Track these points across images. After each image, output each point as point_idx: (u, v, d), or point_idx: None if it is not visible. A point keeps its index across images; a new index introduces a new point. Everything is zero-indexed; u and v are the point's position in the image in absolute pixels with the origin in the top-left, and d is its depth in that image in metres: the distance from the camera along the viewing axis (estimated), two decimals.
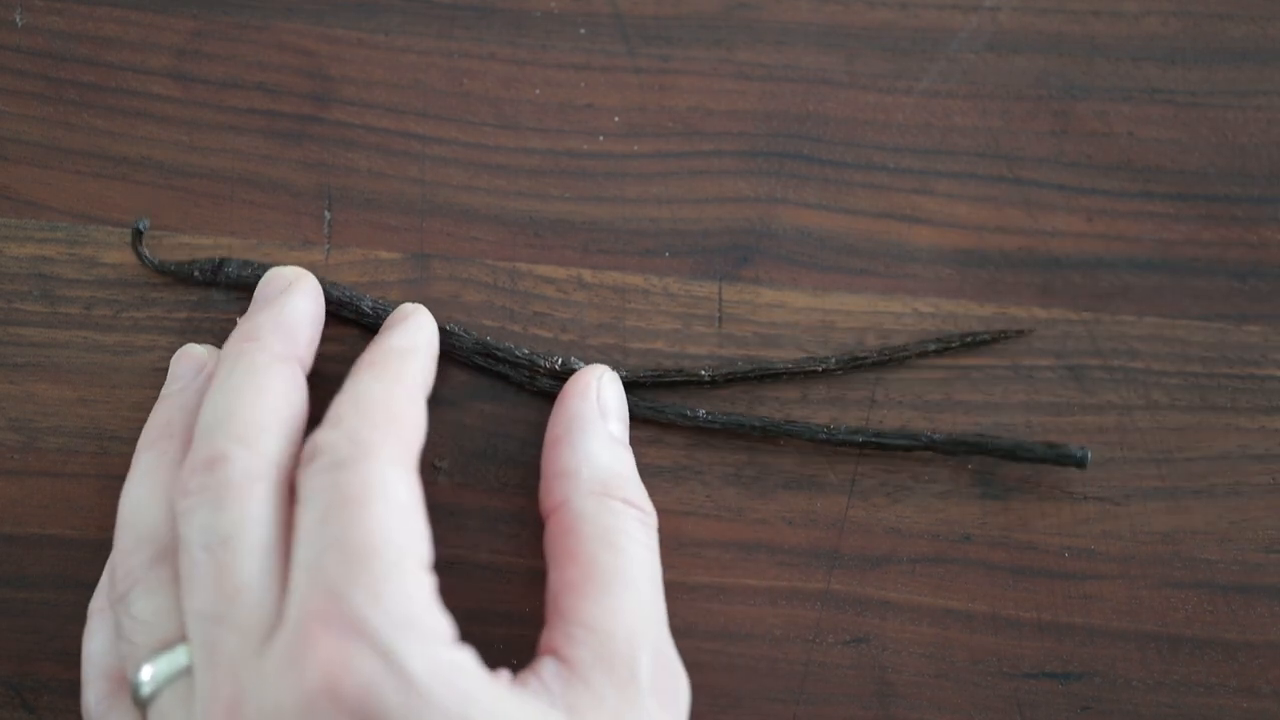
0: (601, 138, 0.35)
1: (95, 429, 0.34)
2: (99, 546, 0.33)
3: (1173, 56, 0.36)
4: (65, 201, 0.35)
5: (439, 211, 0.35)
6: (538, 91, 0.35)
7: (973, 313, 0.34)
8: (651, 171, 0.35)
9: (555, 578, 0.30)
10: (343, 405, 0.28)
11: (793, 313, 0.35)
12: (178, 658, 0.28)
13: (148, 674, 0.28)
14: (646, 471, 0.34)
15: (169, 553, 0.29)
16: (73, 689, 0.33)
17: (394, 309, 0.33)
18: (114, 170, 0.35)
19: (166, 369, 0.34)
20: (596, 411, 0.32)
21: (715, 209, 0.35)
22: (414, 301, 0.34)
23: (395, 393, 0.29)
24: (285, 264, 0.34)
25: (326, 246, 0.35)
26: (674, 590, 0.33)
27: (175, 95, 0.35)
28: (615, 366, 0.34)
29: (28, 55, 0.35)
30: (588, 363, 0.34)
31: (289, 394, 0.30)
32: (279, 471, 0.28)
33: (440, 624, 0.26)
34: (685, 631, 0.33)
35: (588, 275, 0.35)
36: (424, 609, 0.26)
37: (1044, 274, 0.35)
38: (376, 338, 0.32)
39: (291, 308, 0.31)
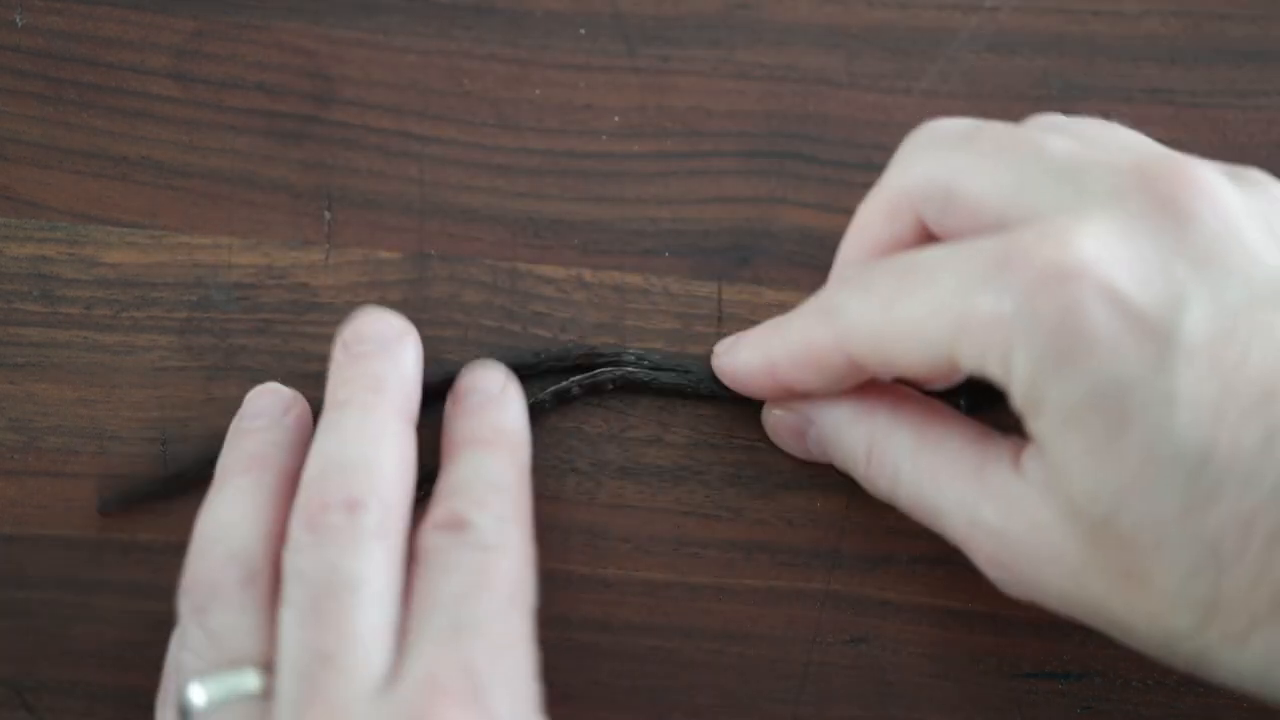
0: (602, 137, 0.35)
1: (95, 429, 0.34)
2: (99, 546, 0.33)
3: (1173, 56, 0.36)
4: (65, 201, 0.35)
5: (439, 211, 0.35)
6: (538, 91, 0.35)
7: None
8: (651, 171, 0.35)
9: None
10: (483, 486, 0.29)
11: None
12: (245, 681, 0.28)
13: (205, 688, 0.28)
14: (646, 471, 0.34)
15: (261, 577, 0.29)
16: (73, 689, 0.33)
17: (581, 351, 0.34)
18: (114, 170, 0.35)
19: (166, 369, 0.34)
20: None
21: (715, 209, 0.35)
22: (414, 302, 0.34)
23: (525, 486, 0.31)
24: (285, 264, 0.34)
25: (326, 246, 0.35)
26: (674, 590, 0.33)
27: (175, 95, 0.35)
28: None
29: (28, 55, 0.35)
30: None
31: (411, 456, 0.30)
32: (406, 531, 0.29)
33: None
34: (685, 631, 0.33)
35: (588, 275, 0.35)
36: (534, 712, 0.27)
37: None
38: (472, 407, 0.32)
39: (410, 363, 0.31)
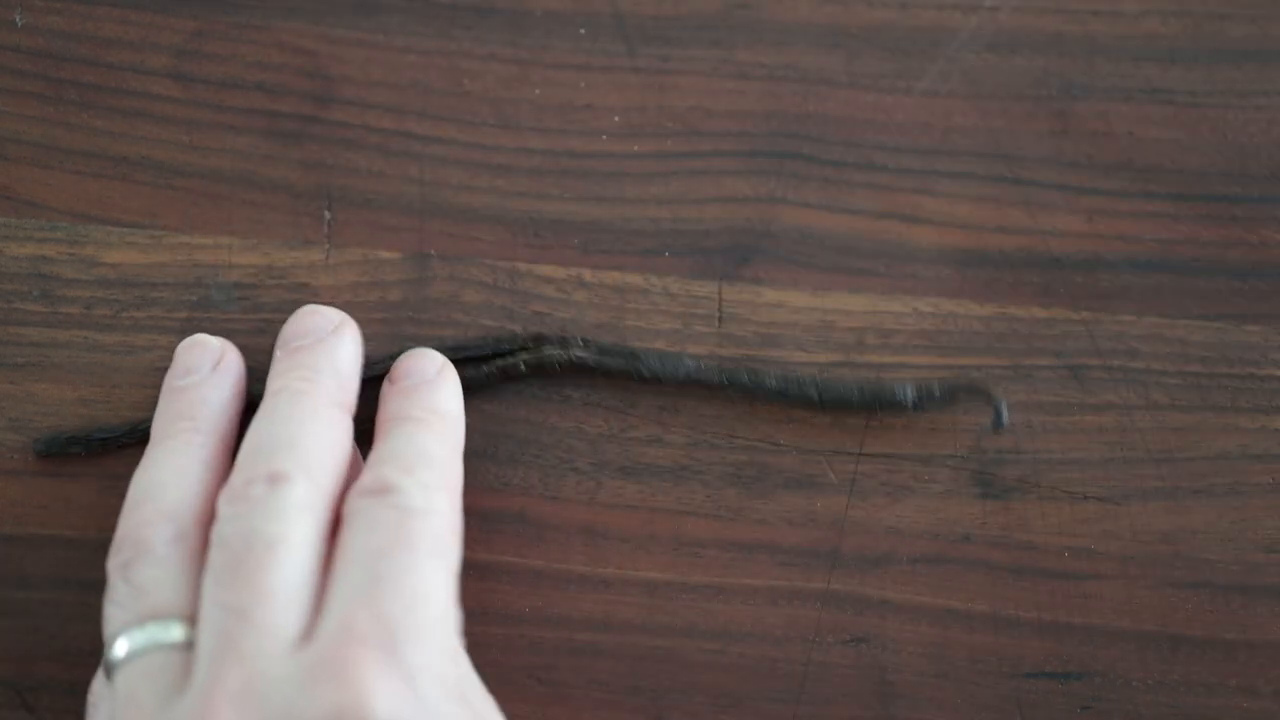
0: (602, 137, 0.35)
1: (95, 429, 0.34)
2: (99, 546, 0.33)
3: (1173, 56, 0.36)
4: (65, 201, 0.35)
5: (439, 211, 0.35)
6: (538, 91, 0.35)
7: (973, 313, 0.34)
8: (651, 171, 0.35)
9: None
10: (411, 455, 0.30)
11: (793, 313, 0.35)
12: (169, 631, 0.28)
13: (128, 639, 0.28)
14: (647, 471, 0.34)
15: (190, 536, 0.29)
16: (73, 689, 0.33)
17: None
18: (114, 170, 0.35)
19: (166, 369, 0.34)
20: None
21: (715, 209, 0.35)
22: (414, 302, 0.34)
23: (455, 462, 0.31)
24: (285, 264, 0.34)
25: (326, 246, 0.35)
26: (674, 590, 0.33)
27: (175, 95, 0.35)
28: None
29: (28, 55, 0.35)
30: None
31: (344, 440, 0.31)
32: (331, 509, 0.29)
33: (472, 688, 0.28)
34: (685, 631, 0.33)
35: (588, 275, 0.35)
36: (456, 666, 0.28)
37: (1044, 274, 0.35)
38: (407, 388, 0.32)
39: (345, 355, 0.32)
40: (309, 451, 0.29)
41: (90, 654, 0.33)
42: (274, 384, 0.31)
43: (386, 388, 0.33)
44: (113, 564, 0.30)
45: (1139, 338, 0.34)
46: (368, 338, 0.33)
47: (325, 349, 0.32)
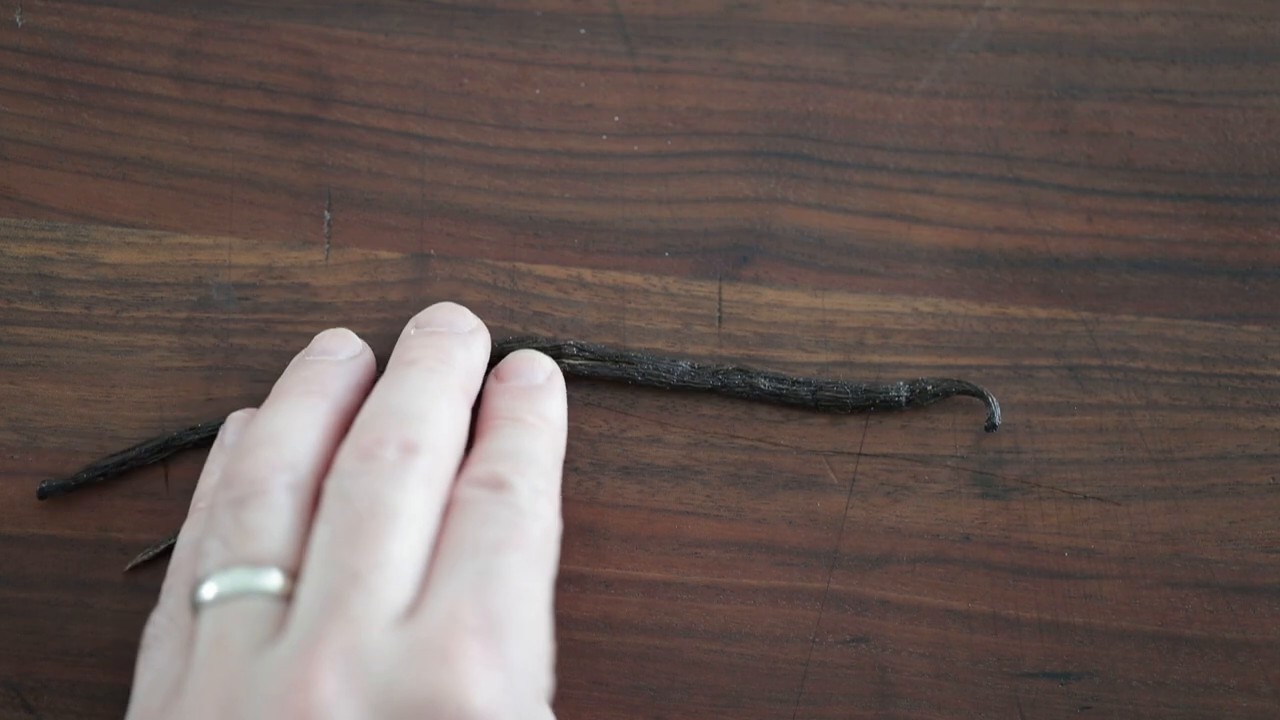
0: (602, 137, 0.35)
1: (95, 429, 0.34)
2: (99, 546, 0.33)
3: (1173, 56, 0.36)
4: (65, 201, 0.35)
5: (439, 211, 0.35)
6: (538, 91, 0.35)
7: (972, 313, 0.34)
8: (651, 171, 0.35)
9: None
10: (523, 457, 0.30)
11: (793, 313, 0.35)
12: (270, 578, 0.28)
13: (227, 577, 0.28)
14: (646, 471, 0.34)
15: (305, 488, 0.29)
16: (73, 689, 0.33)
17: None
18: (114, 170, 0.35)
19: (166, 369, 0.34)
20: None
21: (715, 209, 0.35)
22: (414, 302, 0.34)
23: (559, 472, 0.32)
24: (285, 264, 0.34)
25: (326, 246, 0.35)
26: (674, 590, 0.33)
27: (175, 95, 0.35)
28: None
29: (28, 55, 0.35)
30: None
31: (465, 428, 0.31)
32: (449, 488, 0.29)
33: (547, 688, 0.28)
34: (685, 631, 0.33)
35: (588, 275, 0.35)
36: (546, 670, 0.28)
37: (1044, 274, 0.35)
38: (517, 390, 0.32)
39: (479, 353, 0.32)
40: (439, 428, 0.30)
41: (90, 654, 0.33)
42: (409, 355, 0.31)
43: (493, 384, 0.33)
44: (223, 497, 0.29)
45: (1139, 338, 0.34)
46: (368, 338, 0.34)
47: (462, 341, 0.32)
